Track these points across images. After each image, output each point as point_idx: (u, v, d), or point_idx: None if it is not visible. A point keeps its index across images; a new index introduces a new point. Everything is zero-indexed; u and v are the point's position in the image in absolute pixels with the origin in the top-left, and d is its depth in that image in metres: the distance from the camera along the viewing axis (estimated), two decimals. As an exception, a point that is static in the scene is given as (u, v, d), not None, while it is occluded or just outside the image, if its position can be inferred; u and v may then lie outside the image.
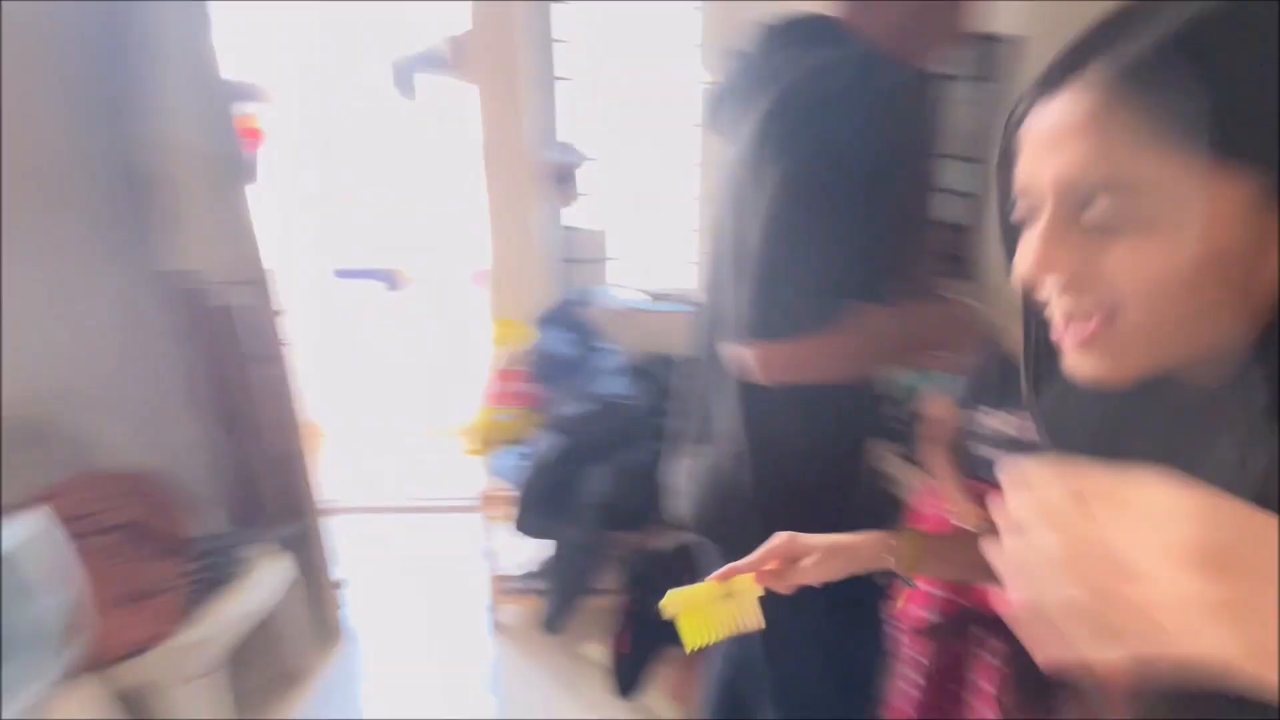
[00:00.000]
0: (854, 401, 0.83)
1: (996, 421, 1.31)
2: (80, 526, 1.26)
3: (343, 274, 3.66)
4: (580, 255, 2.23)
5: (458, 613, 2.08)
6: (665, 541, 1.99)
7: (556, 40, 2.00)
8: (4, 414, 1.39)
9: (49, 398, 1.51)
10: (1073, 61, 0.35)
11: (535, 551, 2.00)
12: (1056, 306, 0.38)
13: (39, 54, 1.51)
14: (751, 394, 0.81)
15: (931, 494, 1.45)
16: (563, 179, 2.09)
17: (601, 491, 1.76)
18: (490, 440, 1.99)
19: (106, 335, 1.69)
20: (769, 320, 0.71)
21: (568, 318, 2.10)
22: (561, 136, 2.12)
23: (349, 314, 3.66)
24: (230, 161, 1.61)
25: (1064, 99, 0.35)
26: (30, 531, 1.09)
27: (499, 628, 2.02)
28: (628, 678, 1.73)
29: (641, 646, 1.74)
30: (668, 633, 1.89)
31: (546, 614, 1.86)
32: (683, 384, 1.02)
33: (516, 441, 1.98)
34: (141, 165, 1.57)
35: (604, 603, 1.94)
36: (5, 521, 1.06)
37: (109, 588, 1.29)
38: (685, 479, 0.95)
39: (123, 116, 1.55)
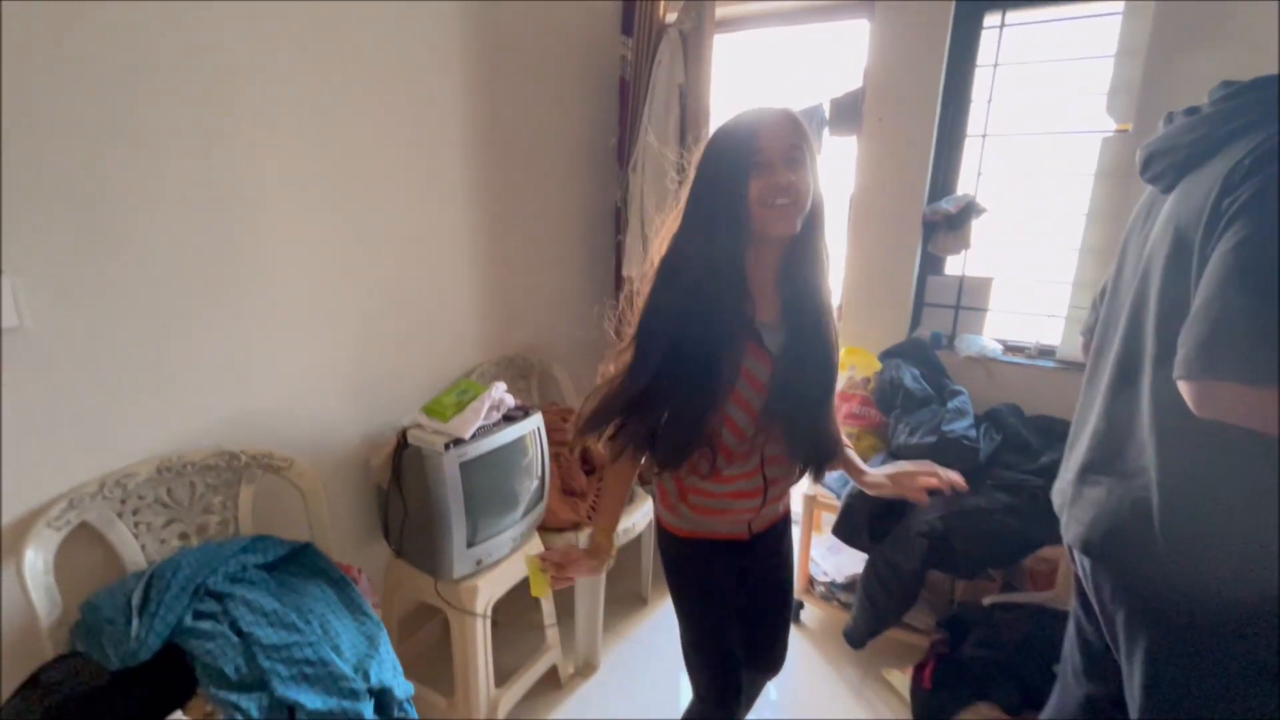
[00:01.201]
0: None
1: None
2: (549, 437, 1.86)
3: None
4: (961, 301, 2.27)
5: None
6: (980, 593, 1.92)
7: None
8: (504, 353, 2.13)
9: (533, 345, 2.25)
10: None
11: (850, 566, 2.13)
12: None
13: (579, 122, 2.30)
14: (1182, 430, 0.83)
15: None
16: (953, 228, 2.17)
17: (931, 524, 1.80)
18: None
19: (574, 311, 2.43)
20: (1224, 359, 0.73)
21: (918, 354, 2.19)
22: (963, 189, 2.21)
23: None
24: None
25: None
26: (536, 425, 1.69)
27: (800, 622, 2.20)
28: (928, 713, 1.73)
29: (946, 689, 1.73)
30: (976, 684, 1.85)
31: (850, 626, 1.96)
32: (1079, 416, 1.07)
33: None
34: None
35: (911, 637, 1.96)
36: (529, 415, 1.66)
37: (555, 481, 1.89)
38: (1084, 507, 0.99)
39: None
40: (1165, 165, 0.91)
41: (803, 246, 1.01)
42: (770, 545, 1.25)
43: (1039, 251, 2.18)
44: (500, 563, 1.61)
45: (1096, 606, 0.98)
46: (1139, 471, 0.89)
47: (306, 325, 1.52)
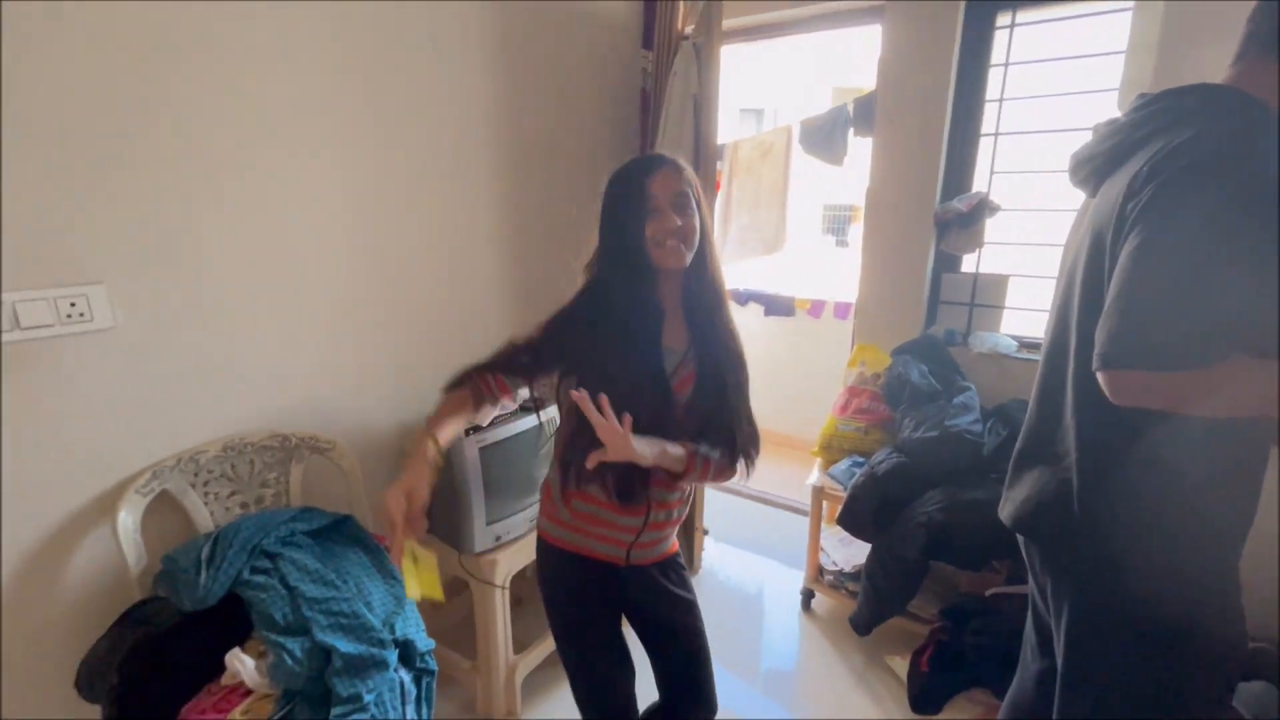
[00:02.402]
0: (1212, 441, 0.85)
1: None
2: (569, 426, 2.01)
3: (736, 295, 4.35)
4: (975, 299, 2.29)
5: (780, 584, 2.42)
6: (987, 585, 1.95)
7: (990, 100, 2.16)
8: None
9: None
10: None
11: (858, 556, 2.20)
12: None
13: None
14: (1099, 418, 0.91)
15: None
16: (965, 226, 2.20)
17: (930, 514, 1.85)
18: (832, 446, 2.26)
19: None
20: (1133, 349, 0.79)
21: (928, 351, 2.22)
22: (976, 187, 2.24)
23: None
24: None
25: None
26: (551, 416, 1.84)
27: (810, 611, 2.28)
28: (923, 696, 1.79)
29: (943, 673, 1.78)
30: (971, 669, 1.91)
31: (856, 614, 2.04)
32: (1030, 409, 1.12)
33: (855, 451, 2.20)
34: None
35: (915, 625, 2.02)
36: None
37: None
38: (1017, 488, 1.08)
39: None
40: (1087, 171, 0.97)
41: (699, 277, 1.11)
42: (652, 583, 1.21)
43: (1055, 249, 2.17)
44: (517, 540, 1.77)
45: (1031, 580, 1.05)
46: (1064, 454, 0.95)
47: (347, 325, 1.71)
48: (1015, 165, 2.21)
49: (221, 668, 1.20)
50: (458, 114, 1.91)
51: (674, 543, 1.25)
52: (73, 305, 1.22)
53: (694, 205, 1.07)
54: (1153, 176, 0.80)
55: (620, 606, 1.25)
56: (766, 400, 4.03)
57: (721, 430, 1.11)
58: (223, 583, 1.25)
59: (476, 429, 1.62)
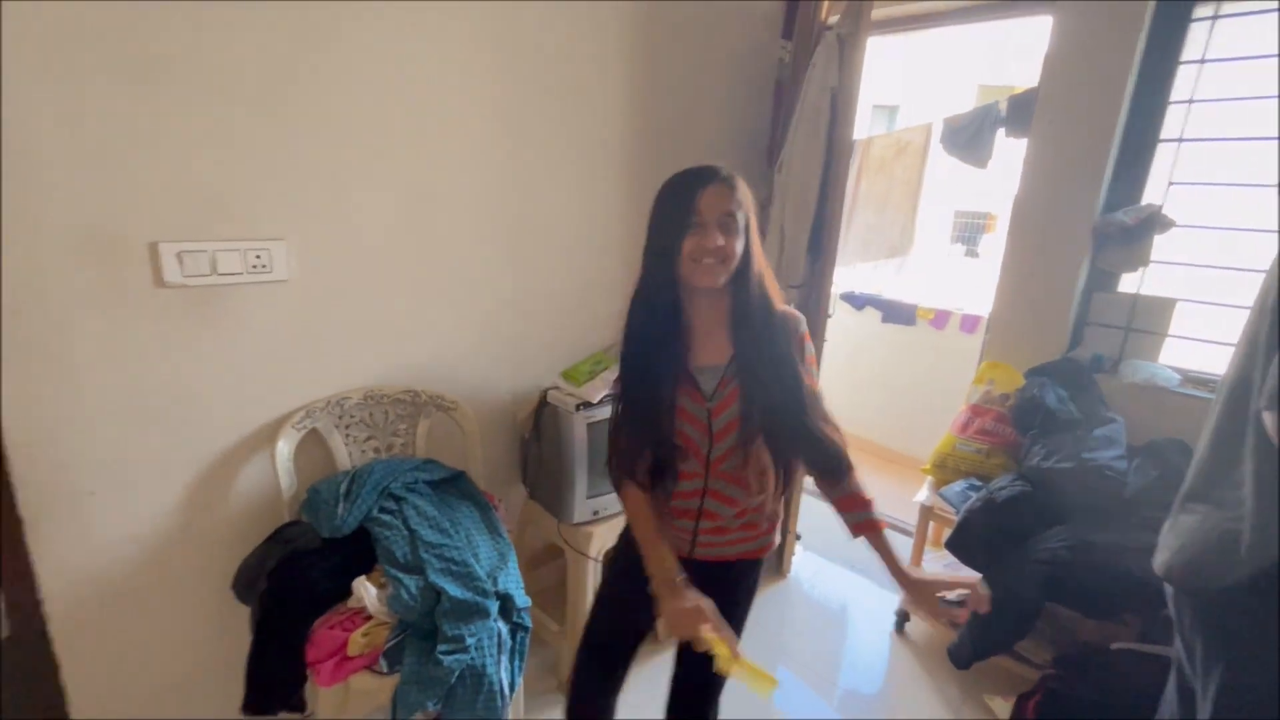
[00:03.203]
0: None
1: None
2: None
3: (852, 299, 4.16)
4: (1132, 322, 2.06)
5: (872, 602, 2.32)
6: (1111, 638, 1.77)
7: (1176, 102, 1.93)
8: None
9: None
10: None
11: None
12: None
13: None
14: (1266, 462, 0.81)
15: None
16: (1129, 242, 1.98)
17: (1054, 552, 1.70)
18: (947, 465, 2.13)
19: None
20: None
21: (1069, 375, 2.03)
22: (1149, 198, 2.01)
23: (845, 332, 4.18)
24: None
25: None
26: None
27: (903, 634, 2.17)
28: (1024, 745, 1.66)
29: (1050, 723, 1.64)
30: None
31: (957, 646, 1.91)
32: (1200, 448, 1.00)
33: (973, 474, 2.06)
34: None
35: (1021, 667, 1.87)
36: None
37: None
38: (1176, 533, 0.97)
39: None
40: None
41: (744, 296, 1.08)
42: (715, 581, 1.13)
43: (1234, 273, 1.90)
44: (613, 517, 1.82)
45: (1178, 639, 0.94)
46: (1236, 502, 0.84)
47: (478, 297, 1.83)
48: (1198, 176, 1.95)
49: (349, 591, 1.34)
50: (594, 106, 1.97)
51: (761, 546, 1.21)
52: (258, 257, 1.39)
53: (741, 226, 1.04)
54: None
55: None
56: (875, 411, 3.87)
57: (789, 442, 1.10)
58: (356, 516, 1.39)
59: (586, 405, 1.69)
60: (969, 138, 2.44)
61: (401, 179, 1.60)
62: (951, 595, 1.11)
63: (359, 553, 1.39)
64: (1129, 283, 2.08)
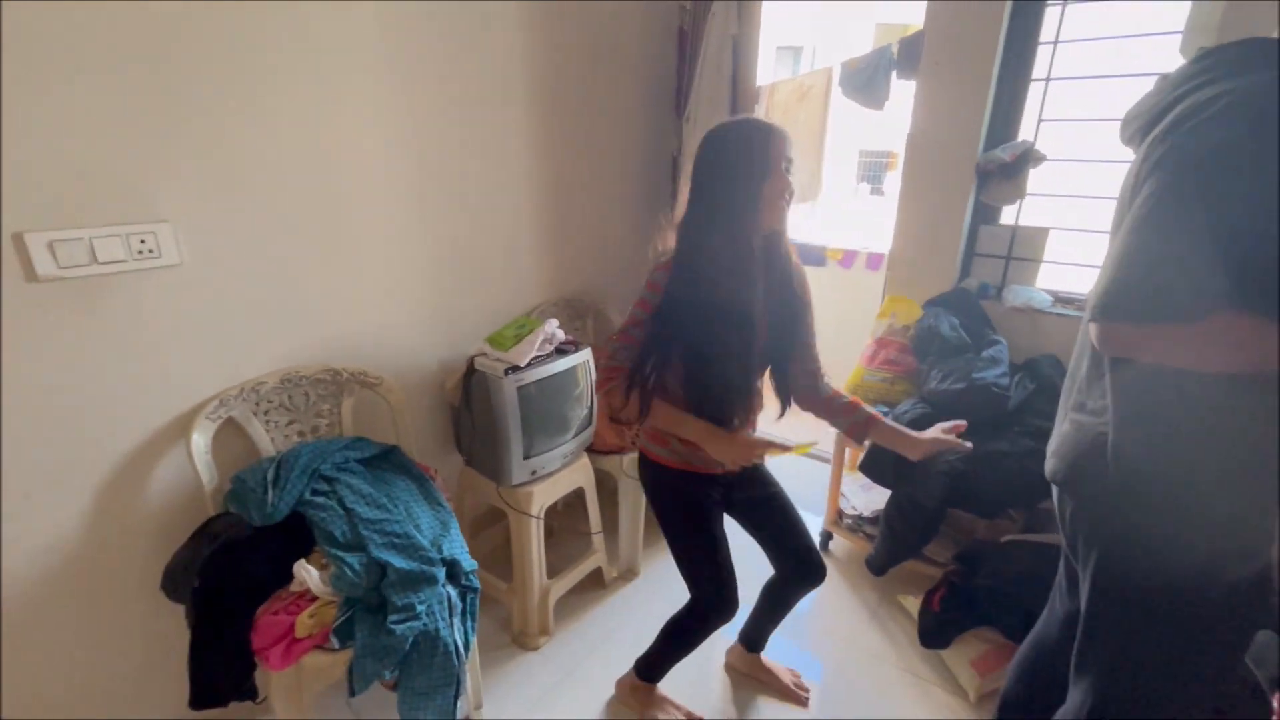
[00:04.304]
0: (1243, 395, 0.84)
1: None
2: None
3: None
4: (1013, 252, 2.25)
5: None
6: (1001, 533, 2.01)
7: (1044, 42, 2.06)
8: (562, 294, 2.34)
9: (589, 288, 2.45)
10: None
11: (877, 501, 2.27)
12: None
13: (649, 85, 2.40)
14: (1135, 373, 0.90)
15: None
16: (1008, 177, 2.15)
17: (951, 464, 1.89)
18: (857, 395, 2.29)
19: (629, 257, 2.60)
20: (1120, 302, 0.81)
21: (961, 304, 2.22)
22: (1024, 135, 2.17)
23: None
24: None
25: None
26: (585, 359, 1.91)
27: (827, 552, 2.37)
28: (932, 633, 1.89)
29: (952, 613, 1.87)
30: (979, 611, 1.99)
31: (873, 556, 2.12)
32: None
33: (881, 401, 2.24)
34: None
35: (929, 568, 2.10)
36: (579, 350, 1.88)
37: (606, 410, 2.11)
38: (1058, 441, 1.09)
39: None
40: (1133, 129, 0.96)
41: (780, 233, 1.29)
42: (746, 478, 1.47)
43: (1101, 202, 2.11)
44: (553, 475, 1.87)
45: (1063, 530, 1.09)
46: (1103, 409, 0.97)
47: (393, 266, 1.78)
48: (1066, 113, 2.13)
49: (289, 577, 1.33)
50: (495, 59, 1.90)
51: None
52: (142, 242, 1.29)
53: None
54: (1169, 133, 0.80)
55: (723, 505, 1.48)
56: (794, 350, 3.95)
57: (794, 363, 1.37)
58: (288, 501, 1.37)
59: (514, 369, 1.70)
60: (865, 80, 2.53)
61: (299, 147, 1.51)
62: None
63: (295, 537, 1.37)
64: (1009, 215, 2.27)
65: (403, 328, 1.85)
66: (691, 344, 1.25)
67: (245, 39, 1.37)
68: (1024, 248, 2.23)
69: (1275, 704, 1.28)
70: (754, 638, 1.77)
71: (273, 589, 1.32)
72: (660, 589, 2.15)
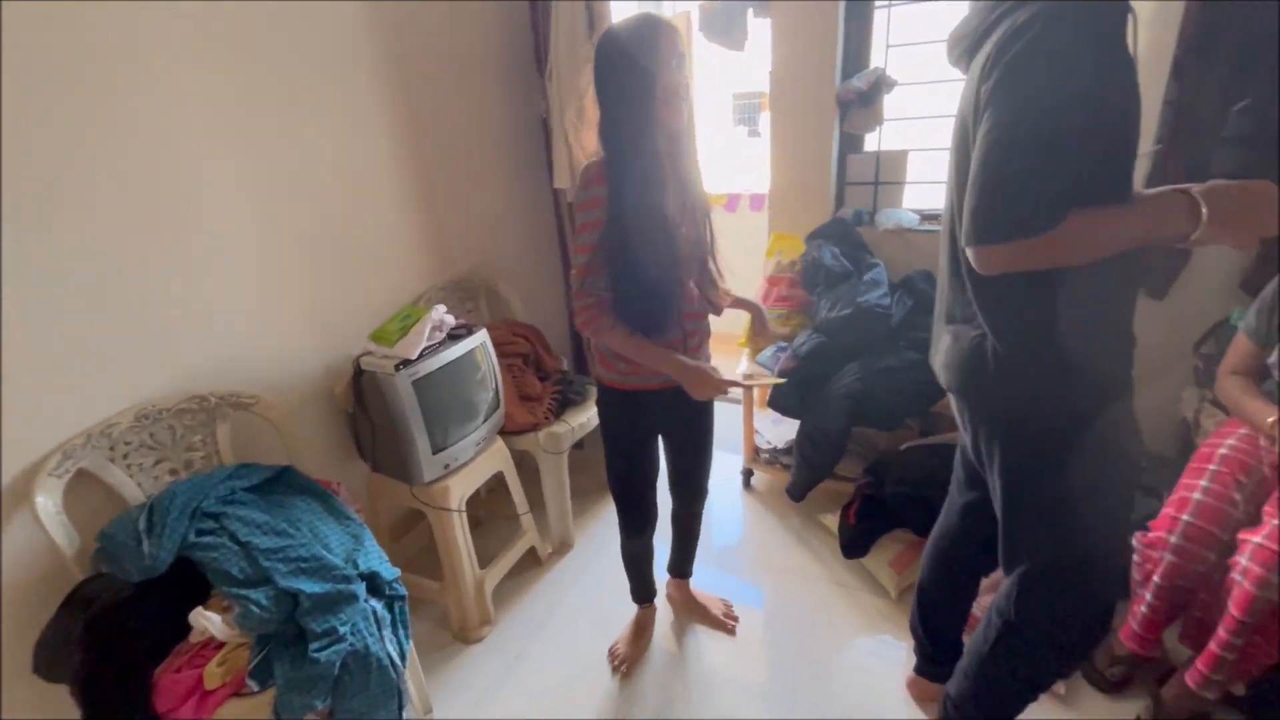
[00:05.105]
0: (1082, 286, 0.94)
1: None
2: (501, 350, 2.01)
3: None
4: (879, 177, 2.35)
5: (722, 469, 2.58)
6: (901, 441, 2.17)
7: None
8: (448, 277, 2.23)
9: (477, 267, 2.35)
10: None
11: (789, 433, 2.37)
12: None
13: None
14: (985, 286, 1.00)
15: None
16: (865, 105, 2.22)
17: (849, 386, 2.00)
18: (757, 336, 2.36)
19: (515, 229, 2.51)
20: (990, 225, 0.87)
21: (840, 233, 2.31)
22: (875, 63, 2.24)
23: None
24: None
25: None
26: (481, 341, 1.84)
27: (750, 488, 2.47)
28: (853, 545, 2.02)
29: (867, 522, 2.00)
30: (892, 516, 2.13)
31: (791, 484, 2.22)
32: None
33: (782, 337, 2.32)
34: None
35: (844, 486, 2.23)
36: (473, 333, 1.81)
37: (513, 389, 2.06)
38: (942, 351, 1.17)
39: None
40: (959, 51, 1.01)
41: (686, 137, 1.28)
42: (686, 397, 1.45)
43: (949, 120, 2.23)
44: (467, 464, 1.81)
45: (963, 430, 1.18)
46: (973, 315, 1.05)
47: (256, 273, 1.61)
48: (910, 38, 2.22)
49: (186, 629, 1.21)
50: (332, 33, 1.73)
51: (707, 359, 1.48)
52: (-81, 286, 1.09)
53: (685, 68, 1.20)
54: (999, 58, 0.85)
55: (663, 422, 1.51)
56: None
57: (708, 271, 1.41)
58: (169, 548, 1.24)
59: (406, 363, 1.61)
60: (724, 23, 2.52)
61: (139, 154, 1.33)
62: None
63: (186, 586, 1.25)
64: (871, 142, 2.37)
65: (277, 338, 1.69)
66: (627, 250, 1.24)
67: (72, 38, 1.15)
68: (889, 172, 2.34)
69: (1135, 543, 1.48)
70: (676, 563, 1.88)
71: (170, 646, 1.20)
72: (596, 556, 2.17)
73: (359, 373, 1.65)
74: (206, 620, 1.18)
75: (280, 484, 1.49)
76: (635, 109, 1.17)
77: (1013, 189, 0.85)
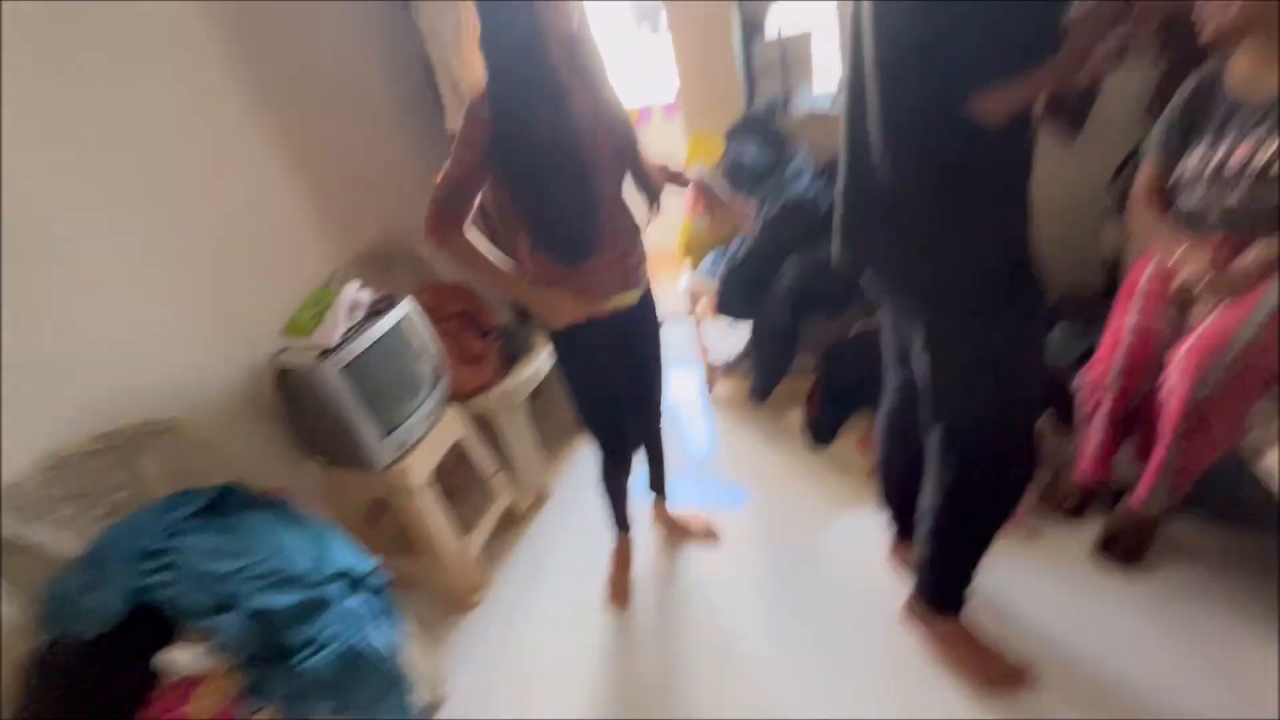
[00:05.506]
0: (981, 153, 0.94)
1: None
2: (433, 315, 1.91)
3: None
4: (786, 62, 2.24)
5: (686, 391, 2.59)
6: (850, 325, 2.19)
7: None
8: (356, 250, 2.08)
9: (385, 232, 2.19)
10: None
11: (742, 341, 2.37)
12: None
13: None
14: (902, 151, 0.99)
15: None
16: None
17: (790, 281, 1.99)
18: (693, 247, 2.31)
19: (415, 183, 2.33)
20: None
21: (757, 127, 2.23)
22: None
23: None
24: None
25: None
26: (407, 310, 1.73)
27: (715, 401, 2.49)
28: (819, 434, 2.07)
29: (829, 410, 2.05)
30: (851, 399, 2.18)
31: (752, 388, 2.25)
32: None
33: (715, 245, 2.27)
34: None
35: (804, 380, 2.26)
36: (397, 304, 1.70)
37: (454, 353, 1.97)
38: (849, 233, 1.17)
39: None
40: None
41: (583, 40, 1.19)
42: (640, 316, 1.46)
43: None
44: (423, 439, 1.75)
45: (884, 307, 1.19)
46: (894, 204, 1.03)
47: (140, 291, 1.46)
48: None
49: (155, 674, 1.16)
50: (163, 21, 1.49)
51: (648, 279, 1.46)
52: None
53: None
54: None
55: (615, 344, 1.44)
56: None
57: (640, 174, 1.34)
58: (118, 596, 1.16)
59: (329, 351, 1.50)
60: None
61: None
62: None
63: (148, 627, 1.19)
64: (773, 29, 2.24)
65: (184, 353, 1.55)
66: (529, 170, 1.17)
67: None
68: (794, 56, 2.24)
69: (1077, 382, 1.54)
70: (653, 480, 1.88)
71: (143, 692, 1.15)
72: (574, 501, 2.17)
73: (281, 371, 1.54)
74: (175, 660, 1.13)
75: (226, 504, 1.40)
76: (516, 16, 1.09)
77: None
